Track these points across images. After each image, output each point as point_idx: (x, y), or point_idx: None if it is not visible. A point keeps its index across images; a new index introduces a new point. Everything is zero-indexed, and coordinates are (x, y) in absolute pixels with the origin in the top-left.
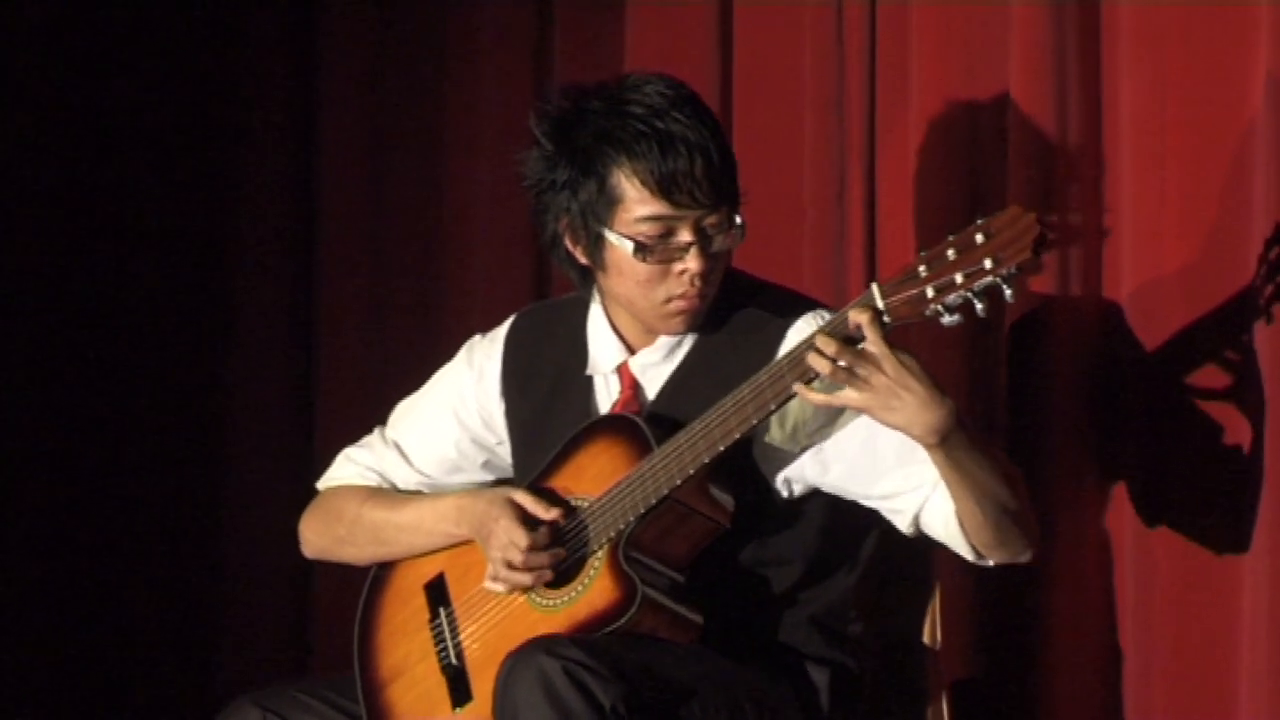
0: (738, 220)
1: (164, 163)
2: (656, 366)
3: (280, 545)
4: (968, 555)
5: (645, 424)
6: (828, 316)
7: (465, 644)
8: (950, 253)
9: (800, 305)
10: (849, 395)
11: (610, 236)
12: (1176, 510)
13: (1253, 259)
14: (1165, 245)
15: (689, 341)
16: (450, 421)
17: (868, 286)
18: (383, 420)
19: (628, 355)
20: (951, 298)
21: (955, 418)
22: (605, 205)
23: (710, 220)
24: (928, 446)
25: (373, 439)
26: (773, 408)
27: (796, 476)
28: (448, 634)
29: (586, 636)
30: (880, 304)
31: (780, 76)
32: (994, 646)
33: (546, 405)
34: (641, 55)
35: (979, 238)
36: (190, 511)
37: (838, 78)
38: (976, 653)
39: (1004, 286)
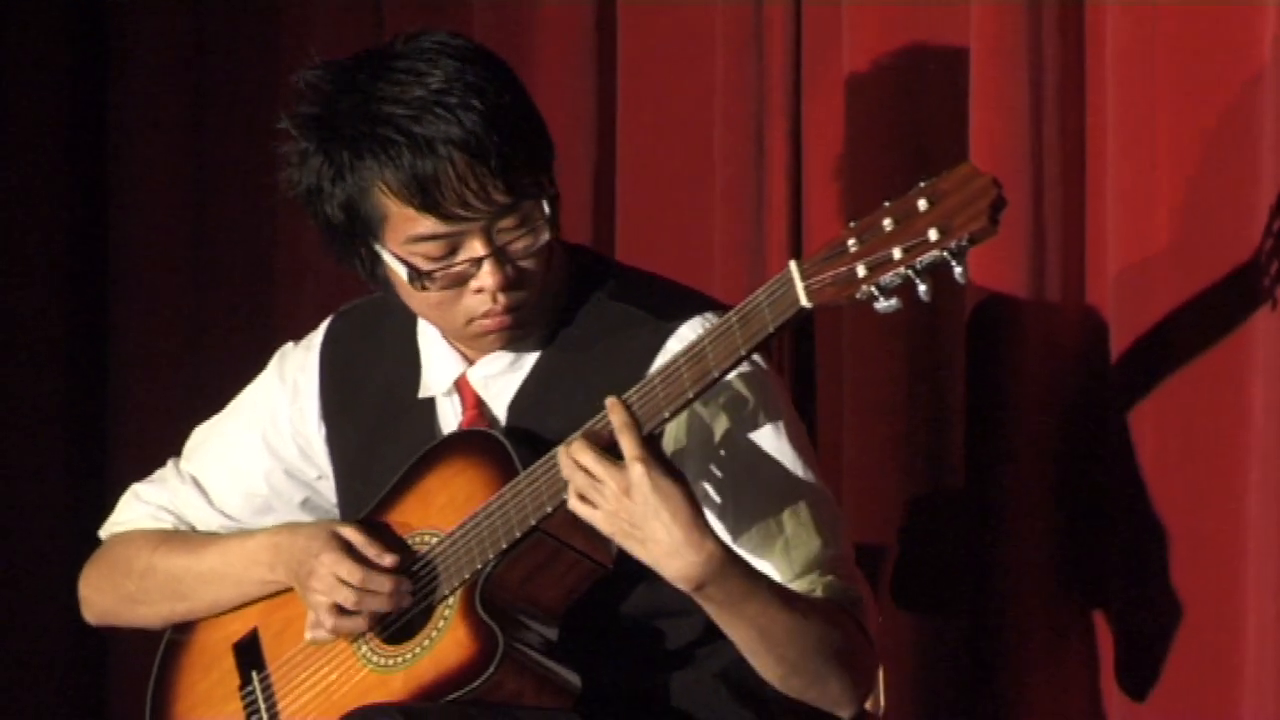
0: (545, 210)
1: None
2: (501, 377)
3: (65, 605)
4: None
5: (508, 440)
6: (716, 321)
7: (285, 715)
8: (887, 222)
9: (687, 304)
10: (587, 511)
11: (385, 255)
12: (1168, 549)
13: (1258, 247)
14: (1157, 227)
15: (539, 345)
16: (259, 450)
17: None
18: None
19: (465, 366)
20: (888, 277)
21: (714, 568)
22: (373, 221)
23: (504, 223)
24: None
25: (166, 473)
26: (666, 415)
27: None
28: (262, 704)
29: (431, 704)
30: (800, 287)
31: (682, 4)
32: (950, 713)
33: (378, 430)
34: None
35: (922, 204)
36: None
37: (754, 7)
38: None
39: (953, 263)
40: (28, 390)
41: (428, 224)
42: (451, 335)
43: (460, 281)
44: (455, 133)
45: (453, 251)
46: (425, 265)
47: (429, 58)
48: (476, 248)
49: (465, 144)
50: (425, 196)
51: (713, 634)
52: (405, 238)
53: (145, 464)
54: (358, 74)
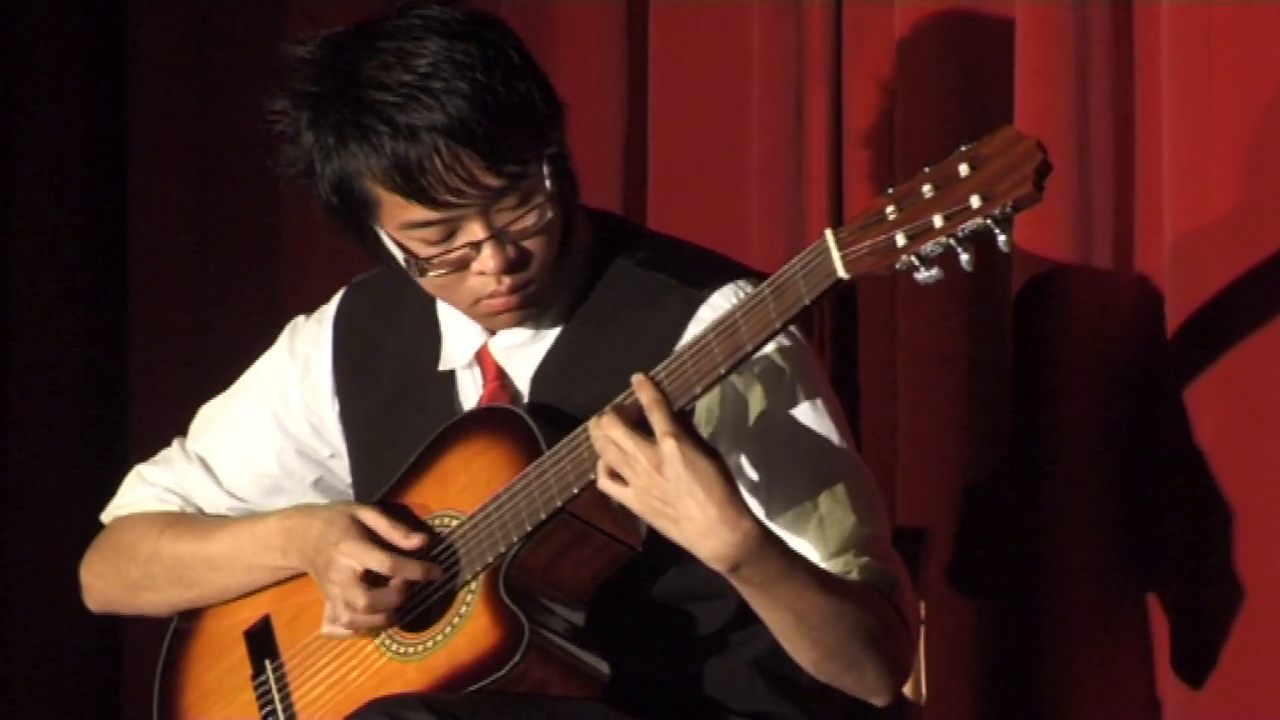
0: (548, 187)
1: None
2: (524, 348)
3: (78, 591)
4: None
5: (531, 417)
6: (751, 289)
7: (299, 705)
8: (926, 189)
9: (720, 272)
10: (617, 489)
11: (383, 236)
12: (1225, 530)
13: None
14: (1213, 195)
15: (563, 315)
16: (269, 428)
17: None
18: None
19: (487, 337)
20: (928, 246)
21: (751, 547)
22: (368, 203)
23: (504, 204)
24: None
25: (172, 453)
26: (698, 391)
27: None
28: (276, 694)
29: (452, 695)
30: (836, 257)
31: None
32: (997, 702)
33: (394, 405)
34: None
35: (963, 169)
36: None
37: None
38: (973, 710)
39: (996, 231)
40: (47, 371)
41: (419, 212)
42: (463, 314)
43: (461, 265)
44: (440, 119)
45: (451, 235)
46: (423, 251)
47: (417, 35)
48: (475, 231)
49: (451, 130)
50: (412, 185)
51: (746, 619)
52: (400, 223)
53: (164, 444)
54: (345, 53)
